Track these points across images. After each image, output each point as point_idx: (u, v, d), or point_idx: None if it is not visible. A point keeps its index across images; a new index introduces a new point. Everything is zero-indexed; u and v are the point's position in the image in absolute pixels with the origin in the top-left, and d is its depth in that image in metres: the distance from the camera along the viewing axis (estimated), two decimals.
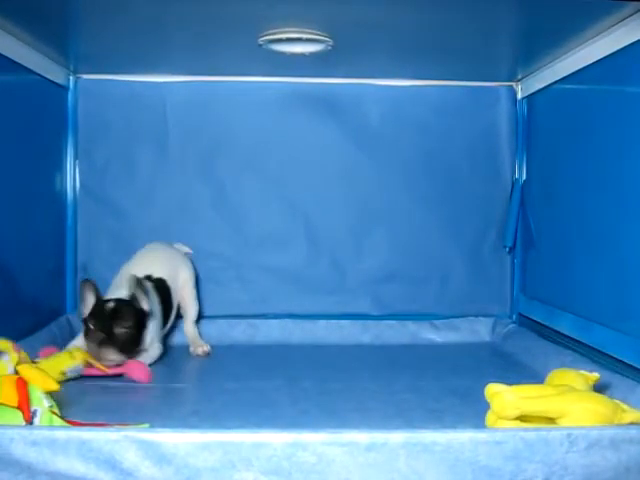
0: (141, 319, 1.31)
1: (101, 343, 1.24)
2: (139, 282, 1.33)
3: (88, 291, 1.31)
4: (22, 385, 0.88)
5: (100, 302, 1.30)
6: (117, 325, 1.26)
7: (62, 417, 0.89)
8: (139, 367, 1.25)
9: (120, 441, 0.75)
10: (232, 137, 1.65)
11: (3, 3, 1.10)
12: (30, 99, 1.41)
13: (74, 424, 0.89)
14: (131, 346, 1.28)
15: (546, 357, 1.31)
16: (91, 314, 1.28)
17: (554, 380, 1.00)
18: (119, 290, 1.35)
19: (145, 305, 1.32)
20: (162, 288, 1.45)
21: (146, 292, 1.33)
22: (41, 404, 0.88)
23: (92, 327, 1.26)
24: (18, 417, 0.85)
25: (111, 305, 1.29)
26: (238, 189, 1.65)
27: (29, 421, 0.85)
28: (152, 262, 1.48)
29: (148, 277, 1.43)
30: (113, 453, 0.75)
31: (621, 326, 1.14)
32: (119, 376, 1.24)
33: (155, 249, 1.53)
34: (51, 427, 0.85)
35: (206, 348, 1.47)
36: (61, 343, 1.37)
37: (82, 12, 1.16)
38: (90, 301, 1.30)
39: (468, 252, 1.68)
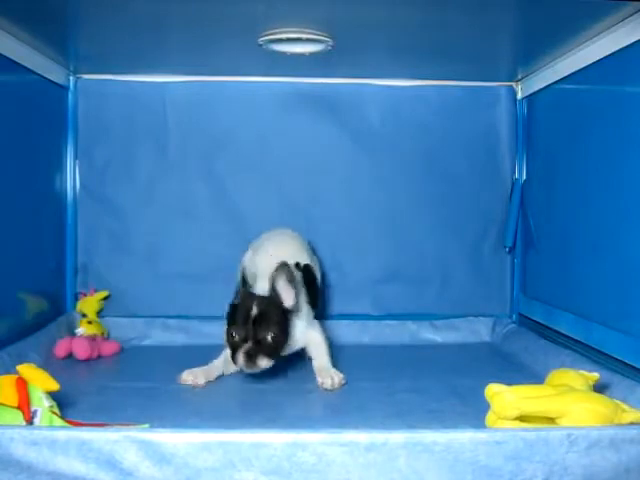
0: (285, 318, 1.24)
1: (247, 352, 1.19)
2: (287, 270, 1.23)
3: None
4: (22, 385, 0.89)
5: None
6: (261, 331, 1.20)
7: (62, 417, 0.89)
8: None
9: (120, 441, 0.75)
10: (232, 137, 1.65)
11: (3, 3, 1.10)
12: (30, 99, 1.41)
13: (74, 424, 0.89)
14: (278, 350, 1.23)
15: (546, 357, 1.31)
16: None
17: (554, 380, 1.00)
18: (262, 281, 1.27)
19: (289, 301, 1.24)
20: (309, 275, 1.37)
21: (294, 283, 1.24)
22: (41, 404, 0.88)
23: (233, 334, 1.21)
24: (18, 417, 0.85)
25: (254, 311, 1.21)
26: (238, 189, 1.65)
27: (29, 421, 0.86)
28: (292, 247, 1.40)
29: (296, 264, 1.34)
30: (113, 453, 0.75)
31: (621, 326, 1.14)
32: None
33: (284, 234, 1.45)
34: (51, 427, 0.85)
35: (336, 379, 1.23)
36: None
37: (82, 12, 1.16)
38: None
39: (468, 252, 1.68)
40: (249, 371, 1.20)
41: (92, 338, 1.43)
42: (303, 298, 1.30)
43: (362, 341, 1.60)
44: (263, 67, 1.53)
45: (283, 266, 1.24)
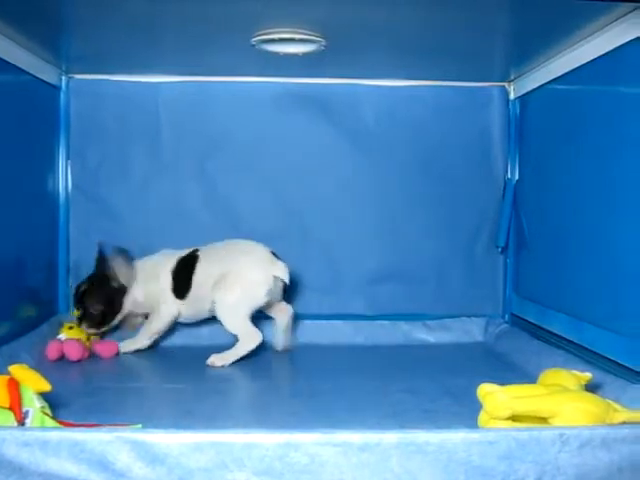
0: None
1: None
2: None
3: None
4: (14, 386, 0.88)
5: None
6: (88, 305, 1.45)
7: (54, 418, 0.89)
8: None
9: (112, 442, 0.75)
10: (225, 137, 1.65)
11: None
12: (22, 99, 1.40)
13: (66, 425, 0.89)
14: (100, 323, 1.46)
15: (538, 357, 1.32)
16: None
17: (546, 380, 1.00)
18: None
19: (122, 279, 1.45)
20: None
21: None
22: (33, 405, 0.88)
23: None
24: (10, 418, 0.85)
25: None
26: (232, 189, 1.65)
27: (21, 422, 0.85)
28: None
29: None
30: (105, 454, 0.75)
31: (613, 326, 1.15)
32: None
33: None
34: (43, 428, 0.85)
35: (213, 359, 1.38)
36: None
37: (75, 12, 1.16)
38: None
39: (461, 252, 1.68)
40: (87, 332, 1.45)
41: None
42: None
43: (356, 341, 1.60)
44: (257, 67, 1.53)
45: (120, 250, 1.46)
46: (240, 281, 1.42)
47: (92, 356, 1.42)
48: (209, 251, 1.48)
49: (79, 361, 1.37)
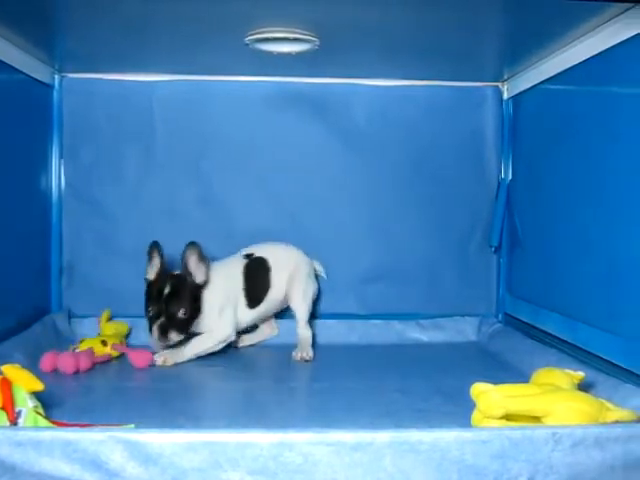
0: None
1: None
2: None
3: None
4: (6, 385, 0.88)
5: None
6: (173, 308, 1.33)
7: (47, 417, 0.89)
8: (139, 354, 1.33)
9: (105, 442, 0.75)
10: (219, 136, 1.65)
11: None
12: (15, 98, 1.40)
13: (59, 425, 0.88)
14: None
15: (532, 356, 1.32)
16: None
17: (539, 379, 1.00)
18: None
19: (201, 277, 1.37)
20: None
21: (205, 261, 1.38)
22: (25, 404, 0.87)
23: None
24: (2, 418, 0.84)
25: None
26: (225, 189, 1.65)
27: (13, 422, 0.85)
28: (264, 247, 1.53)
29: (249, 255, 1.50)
30: (98, 454, 0.75)
31: (606, 325, 1.15)
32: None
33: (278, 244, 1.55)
34: (36, 428, 0.85)
35: (304, 354, 1.41)
36: (45, 344, 1.36)
37: (68, 12, 1.16)
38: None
39: (454, 252, 1.68)
40: (162, 344, 1.33)
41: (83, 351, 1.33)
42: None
43: (349, 341, 1.60)
44: (250, 66, 1.53)
45: (193, 244, 1.36)
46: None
47: (98, 365, 1.34)
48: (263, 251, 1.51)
49: (74, 374, 1.27)
